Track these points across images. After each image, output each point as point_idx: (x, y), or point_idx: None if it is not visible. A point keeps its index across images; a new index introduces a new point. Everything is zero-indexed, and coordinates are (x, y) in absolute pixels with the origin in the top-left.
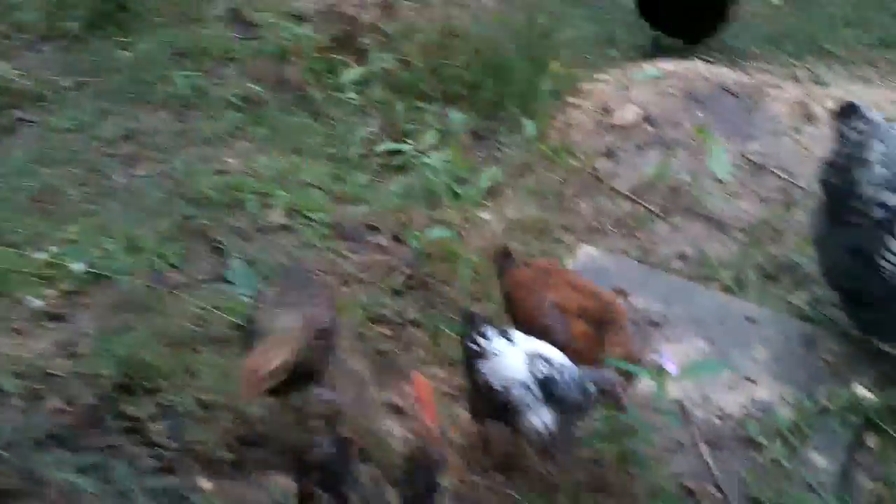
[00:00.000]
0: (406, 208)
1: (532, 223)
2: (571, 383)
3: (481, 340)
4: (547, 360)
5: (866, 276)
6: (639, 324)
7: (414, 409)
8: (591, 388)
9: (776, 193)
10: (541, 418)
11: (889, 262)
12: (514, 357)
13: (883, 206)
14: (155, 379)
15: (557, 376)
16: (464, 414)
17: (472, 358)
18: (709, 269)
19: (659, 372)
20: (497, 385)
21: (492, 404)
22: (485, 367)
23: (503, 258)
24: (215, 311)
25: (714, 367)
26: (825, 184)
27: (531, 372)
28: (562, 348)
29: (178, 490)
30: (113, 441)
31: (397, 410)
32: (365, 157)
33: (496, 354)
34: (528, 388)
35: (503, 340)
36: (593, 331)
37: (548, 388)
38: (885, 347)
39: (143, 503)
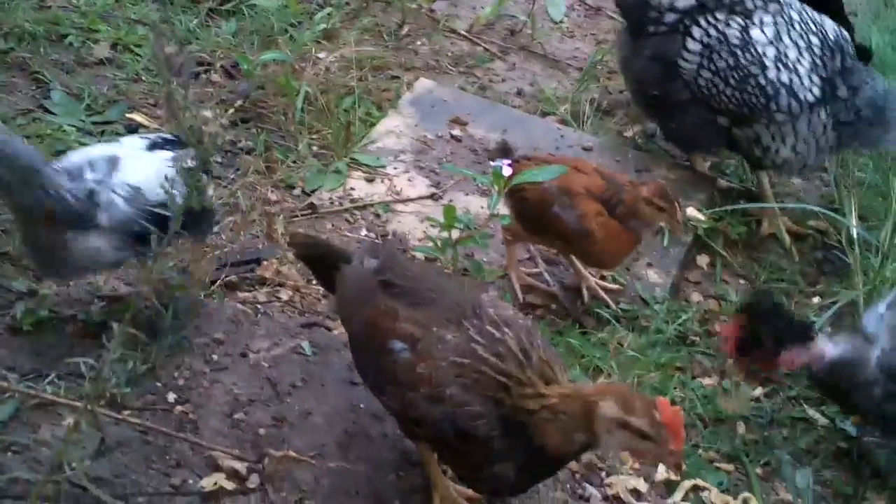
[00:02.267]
0: (238, 47)
1: (368, 61)
2: None
3: None
4: None
5: (670, 82)
6: (477, 152)
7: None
8: None
9: (611, 35)
10: None
11: (688, 62)
12: None
13: (674, 10)
14: None
15: None
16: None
17: None
18: (546, 103)
19: (497, 177)
20: None
21: None
22: None
23: (501, 153)
24: (37, 138)
25: (551, 171)
26: (619, 3)
27: None
28: (578, 236)
29: None
30: None
31: None
32: (194, 1)
33: None
34: None
35: None
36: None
37: None
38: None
39: None
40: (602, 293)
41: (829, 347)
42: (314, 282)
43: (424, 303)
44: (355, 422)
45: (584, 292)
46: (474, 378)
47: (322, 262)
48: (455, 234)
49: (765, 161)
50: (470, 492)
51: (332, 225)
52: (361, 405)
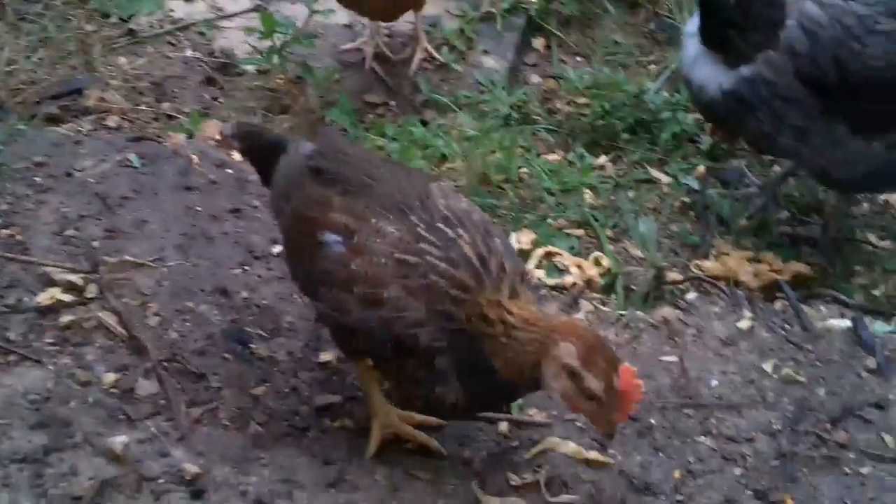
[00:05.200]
0: None
1: None
2: None
3: None
4: None
5: None
6: None
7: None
8: None
9: None
10: None
11: None
12: None
13: None
14: None
15: None
16: None
17: None
18: None
19: None
20: None
21: None
22: None
23: None
24: None
25: None
26: None
27: None
28: None
29: None
30: None
31: None
32: None
33: None
34: None
35: None
36: None
37: None
38: None
39: None
40: (432, 49)
41: None
42: (143, 105)
43: (361, 190)
44: (194, 224)
45: (417, 57)
46: (421, 282)
47: (262, 153)
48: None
49: None
50: (417, 416)
51: (154, 49)
52: (198, 208)
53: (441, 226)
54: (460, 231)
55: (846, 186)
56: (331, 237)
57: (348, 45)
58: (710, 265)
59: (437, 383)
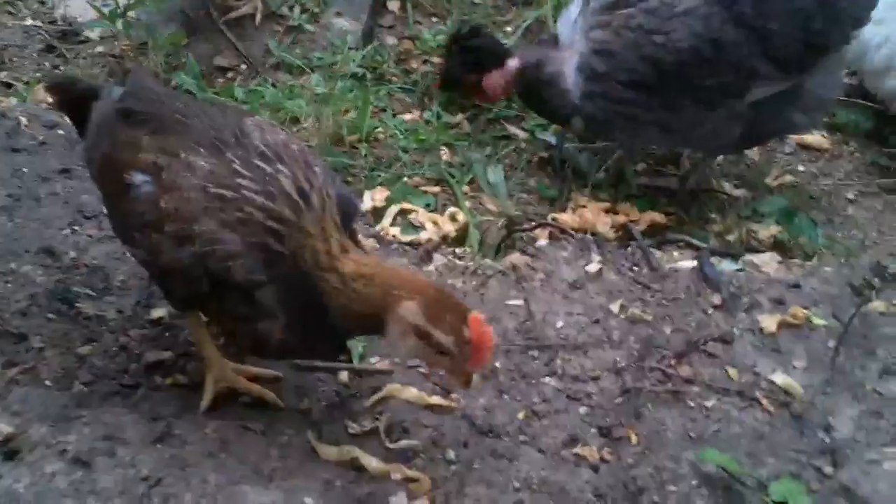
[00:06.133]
0: None
1: None
2: None
3: None
4: None
5: None
6: None
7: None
8: None
9: None
10: None
11: None
12: None
13: None
14: None
15: None
16: None
17: None
18: None
19: None
20: None
21: None
22: None
23: None
24: None
25: None
26: None
27: None
28: None
29: None
30: None
31: None
32: None
33: None
34: None
35: None
36: None
37: None
38: None
39: None
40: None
41: (515, 60)
42: None
43: (172, 128)
44: (20, 186)
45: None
46: (236, 215)
47: (77, 102)
48: None
49: None
50: (252, 369)
51: None
52: (25, 169)
53: (259, 162)
54: (279, 166)
55: (732, 150)
56: (138, 177)
57: None
58: (567, 218)
59: (259, 319)
